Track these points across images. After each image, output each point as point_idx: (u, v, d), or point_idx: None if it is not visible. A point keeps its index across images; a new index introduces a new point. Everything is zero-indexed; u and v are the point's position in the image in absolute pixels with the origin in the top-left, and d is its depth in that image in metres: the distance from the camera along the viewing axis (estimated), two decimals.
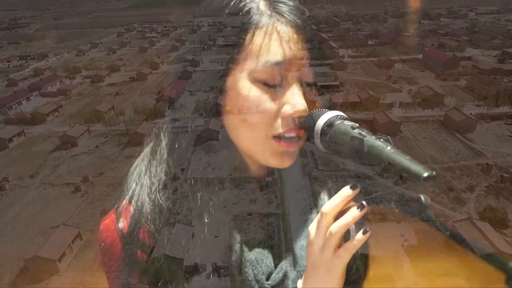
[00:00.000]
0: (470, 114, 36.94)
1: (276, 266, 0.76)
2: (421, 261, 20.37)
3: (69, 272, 20.93)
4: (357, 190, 0.55)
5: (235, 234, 0.74)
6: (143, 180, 0.75)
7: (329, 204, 0.57)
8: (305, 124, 0.64)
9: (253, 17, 0.66)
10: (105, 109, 43.95)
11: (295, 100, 0.65)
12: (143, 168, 0.77)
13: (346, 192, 0.56)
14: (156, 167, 0.76)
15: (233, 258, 0.71)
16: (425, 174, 0.44)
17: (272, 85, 0.66)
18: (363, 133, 0.54)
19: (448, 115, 36.86)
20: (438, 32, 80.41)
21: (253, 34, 0.66)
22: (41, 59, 78.92)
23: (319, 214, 0.59)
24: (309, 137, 0.63)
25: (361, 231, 0.55)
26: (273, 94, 0.66)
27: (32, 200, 28.43)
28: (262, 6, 0.67)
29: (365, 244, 0.74)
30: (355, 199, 0.57)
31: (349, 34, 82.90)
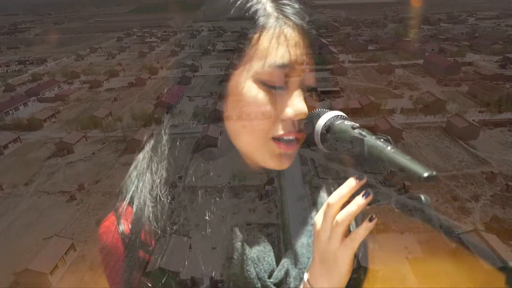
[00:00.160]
0: (473, 120, 36.41)
1: (277, 264, 0.76)
2: (426, 275, 19.65)
3: (61, 286, 20.22)
4: (363, 181, 0.55)
5: (236, 231, 0.73)
6: (144, 177, 0.74)
7: (335, 194, 0.57)
8: (305, 123, 0.64)
9: (259, 19, 0.66)
10: (103, 115, 43.40)
11: (296, 104, 0.66)
12: (144, 165, 0.76)
13: (352, 183, 0.56)
14: (157, 164, 0.76)
15: (235, 256, 0.71)
16: (426, 174, 0.45)
17: (275, 87, 0.66)
18: (363, 133, 0.54)
19: (450, 122, 36.30)
20: (438, 37, 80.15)
21: (260, 36, 0.65)
22: (40, 64, 78.60)
23: (325, 204, 0.59)
24: (310, 138, 0.63)
25: (368, 218, 0.55)
26: (275, 96, 0.66)
27: (26, 209, 27.74)
28: (269, 8, 0.67)
29: (366, 256, 0.77)
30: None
31: (349, 39, 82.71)
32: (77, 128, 40.81)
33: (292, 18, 0.67)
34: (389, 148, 0.50)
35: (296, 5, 0.69)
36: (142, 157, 0.78)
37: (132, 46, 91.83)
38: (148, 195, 0.72)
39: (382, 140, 0.52)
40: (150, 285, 0.69)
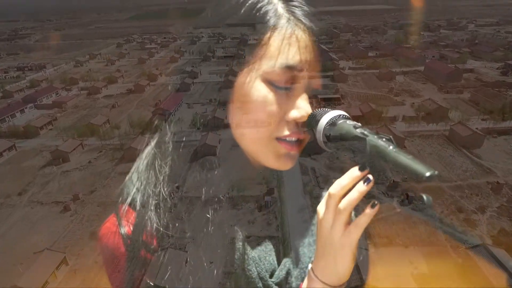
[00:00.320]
0: (476, 128, 35.76)
1: (279, 263, 0.76)
2: None
3: None
4: (365, 172, 0.54)
5: (238, 231, 0.72)
6: (147, 174, 0.74)
7: (337, 184, 0.57)
8: (308, 122, 0.65)
9: (270, 19, 0.66)
10: (100, 123, 42.79)
11: (302, 105, 0.66)
12: (148, 163, 0.76)
13: (354, 173, 0.55)
14: (161, 161, 0.75)
15: (236, 256, 0.70)
16: (428, 174, 0.45)
17: (282, 87, 0.66)
18: (366, 132, 0.54)
19: (453, 130, 35.65)
20: (438, 43, 79.88)
21: (270, 36, 0.66)
22: (39, 70, 78.23)
23: (327, 194, 0.58)
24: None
25: (370, 205, 0.54)
26: (281, 97, 0.66)
27: (18, 220, 26.94)
28: (280, 9, 0.67)
29: (366, 261, 0.76)
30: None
31: (349, 45, 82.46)
32: (74, 136, 40.17)
33: (303, 20, 0.67)
34: (391, 147, 0.50)
35: (307, 8, 0.69)
36: (145, 155, 0.77)
37: (131, 53, 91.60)
38: (151, 193, 0.71)
39: (384, 139, 0.52)
40: (152, 285, 0.67)
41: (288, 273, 0.73)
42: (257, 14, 0.67)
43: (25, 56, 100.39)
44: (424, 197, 0.50)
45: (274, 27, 0.66)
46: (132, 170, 0.76)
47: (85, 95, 58.35)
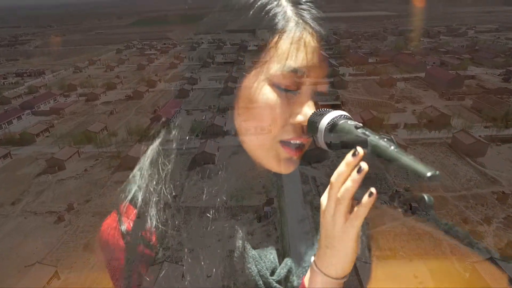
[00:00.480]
0: (480, 136, 35.14)
1: (280, 262, 0.75)
2: None
3: None
4: (359, 155, 0.54)
5: (238, 229, 0.72)
6: (150, 171, 0.74)
7: (336, 173, 0.57)
8: (309, 123, 0.64)
9: (279, 22, 0.66)
10: (98, 130, 42.20)
11: (307, 109, 0.66)
12: (151, 160, 0.76)
13: (349, 158, 0.56)
14: (164, 159, 0.75)
15: (236, 255, 0.70)
16: (429, 174, 0.45)
17: (288, 90, 0.66)
18: (367, 132, 0.54)
19: (456, 138, 35.04)
20: (438, 50, 79.66)
21: (278, 39, 0.65)
22: (38, 76, 77.87)
23: (329, 184, 0.59)
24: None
25: (367, 194, 0.54)
26: (287, 100, 0.66)
27: (10, 231, 26.18)
28: (289, 12, 0.67)
29: (368, 283, 0.76)
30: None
31: (349, 51, 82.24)
32: (70, 143, 39.55)
33: (311, 24, 0.67)
34: (392, 147, 0.50)
35: (315, 12, 0.69)
36: (149, 153, 0.77)
37: (131, 59, 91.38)
38: (152, 190, 0.71)
39: (385, 139, 0.52)
40: (149, 280, 0.67)
41: (289, 271, 0.72)
42: (266, 16, 0.66)
43: (25, 62, 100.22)
44: (426, 197, 0.49)
45: (283, 30, 0.65)
46: (136, 168, 0.75)
47: (83, 101, 57.88)
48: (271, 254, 0.74)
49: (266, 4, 0.67)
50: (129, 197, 0.72)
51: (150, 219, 0.68)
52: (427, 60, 69.01)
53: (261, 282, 0.70)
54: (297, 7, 0.68)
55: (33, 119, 49.83)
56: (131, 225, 0.69)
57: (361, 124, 0.57)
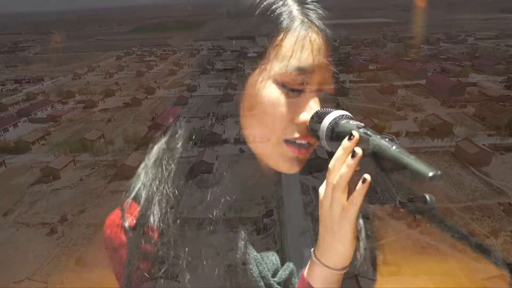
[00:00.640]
0: (483, 145, 34.47)
1: (282, 264, 0.75)
2: None
3: None
4: (355, 139, 0.54)
5: (240, 231, 0.72)
6: (154, 170, 0.74)
7: (333, 159, 0.57)
8: (310, 123, 0.64)
9: (284, 21, 0.66)
10: (94, 138, 41.52)
11: (312, 108, 0.65)
12: (155, 158, 0.75)
13: (346, 143, 0.56)
14: (168, 158, 0.75)
15: (237, 256, 0.70)
16: (431, 174, 0.45)
17: (293, 90, 0.65)
18: (369, 132, 0.54)
19: (460, 147, 34.36)
20: (439, 57, 79.38)
21: (283, 37, 0.65)
22: (36, 82, 77.44)
23: (327, 171, 0.59)
24: (315, 136, 0.63)
25: (360, 180, 0.54)
26: (292, 99, 0.66)
27: (1, 244, 25.31)
28: (295, 11, 0.67)
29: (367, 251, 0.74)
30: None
31: (349, 58, 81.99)
32: (66, 152, 38.82)
33: (317, 23, 0.67)
34: (394, 147, 0.50)
35: (321, 11, 0.69)
36: (154, 152, 0.76)
37: (130, 65, 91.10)
38: (155, 189, 0.71)
39: (387, 139, 0.52)
40: (149, 277, 0.67)
41: (291, 273, 0.71)
42: (271, 15, 0.66)
43: (24, 68, 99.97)
44: (427, 197, 0.49)
45: (287, 29, 0.65)
46: (141, 165, 0.75)
47: (81, 108, 57.33)
48: (273, 256, 0.73)
49: (272, 3, 0.67)
50: (133, 194, 0.71)
51: (153, 217, 0.68)
52: (428, 67, 68.66)
53: (262, 283, 0.69)
54: (303, 7, 0.68)
55: (30, 127, 49.20)
56: (134, 221, 0.69)
57: (362, 124, 0.57)
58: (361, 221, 0.70)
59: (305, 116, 0.65)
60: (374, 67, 73.62)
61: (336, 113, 0.60)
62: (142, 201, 0.70)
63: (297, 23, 0.66)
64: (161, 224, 0.67)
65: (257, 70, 0.68)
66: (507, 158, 34.04)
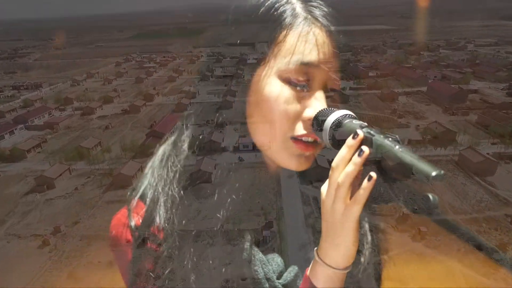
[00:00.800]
0: (487, 154, 33.75)
1: (287, 266, 0.75)
2: None
3: None
4: (360, 137, 0.54)
5: (246, 233, 0.72)
6: (160, 171, 0.74)
7: (337, 157, 0.57)
8: (314, 122, 0.64)
9: (287, 18, 0.66)
10: (91, 145, 40.79)
11: (318, 104, 0.65)
12: (161, 159, 0.76)
13: (350, 141, 0.55)
14: (174, 158, 0.75)
15: (243, 257, 0.70)
16: (434, 173, 0.45)
17: (298, 85, 0.65)
18: (372, 132, 0.54)
19: (463, 156, 33.63)
20: (439, 63, 79.13)
21: (286, 33, 0.66)
22: (35, 89, 77.00)
23: (331, 170, 0.58)
24: (318, 135, 0.63)
25: (366, 178, 0.54)
26: (297, 95, 0.65)
27: None
28: (299, 9, 0.68)
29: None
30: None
31: (349, 65, 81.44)
32: (62, 160, 38.05)
33: (320, 19, 0.68)
34: (397, 147, 0.50)
35: (326, 8, 0.70)
36: (161, 152, 0.76)
37: (129, 72, 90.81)
38: (161, 190, 0.71)
39: (390, 139, 0.52)
40: (154, 276, 0.66)
41: (296, 276, 0.71)
42: (275, 13, 0.67)
43: (23, 75, 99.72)
44: (430, 196, 0.49)
45: (291, 25, 0.66)
46: (148, 165, 0.75)
47: (79, 115, 56.70)
48: (278, 257, 0.73)
49: (275, 2, 0.68)
50: (140, 193, 0.71)
51: (159, 217, 0.68)
52: (428, 74, 68.27)
53: (267, 285, 0.68)
54: (307, 4, 0.68)
55: (26, 134, 48.50)
56: (140, 221, 0.69)
57: (366, 124, 0.57)
58: (366, 225, 0.70)
59: (311, 112, 0.64)
60: (374, 74, 73.22)
61: (339, 112, 0.61)
62: (148, 201, 0.70)
63: (300, 19, 0.66)
64: (167, 225, 0.67)
65: (262, 67, 0.68)
66: None
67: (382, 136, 0.53)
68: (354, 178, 0.55)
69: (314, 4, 0.69)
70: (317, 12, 0.68)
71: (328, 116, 0.61)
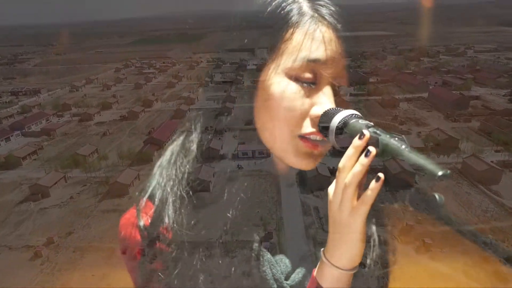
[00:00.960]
0: (491, 161, 33.06)
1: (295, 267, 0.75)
2: None
3: None
4: (366, 137, 0.54)
5: (254, 234, 0.72)
6: (168, 172, 0.74)
7: (343, 158, 0.57)
8: (319, 122, 0.64)
9: (294, 16, 0.67)
10: (88, 153, 40.09)
11: (326, 102, 0.65)
12: (169, 159, 0.75)
13: (356, 142, 0.55)
14: (183, 159, 0.75)
15: (252, 257, 0.70)
16: (440, 173, 0.45)
17: (306, 82, 0.65)
18: (378, 131, 0.54)
19: (467, 164, 32.92)
20: (439, 69, 78.78)
21: (293, 31, 0.66)
22: (33, 95, 76.55)
23: (337, 170, 0.58)
24: (324, 135, 0.63)
25: (374, 179, 0.54)
26: (305, 92, 0.65)
27: None
28: (305, 7, 0.68)
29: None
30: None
31: (349, 71, 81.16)
32: (58, 168, 37.33)
33: (327, 17, 0.68)
34: (403, 146, 0.50)
35: (333, 7, 0.70)
36: (169, 152, 0.76)
37: (129, 77, 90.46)
38: (169, 190, 0.71)
39: (396, 139, 0.52)
40: (163, 277, 0.66)
41: (304, 277, 0.71)
42: (281, 12, 0.67)
43: (22, 80, 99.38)
44: (437, 196, 0.49)
45: (297, 24, 0.66)
46: (156, 165, 0.75)
47: (76, 121, 56.13)
48: (286, 259, 0.73)
49: (282, 1, 0.68)
50: (148, 193, 0.71)
51: (168, 218, 0.67)
52: (429, 80, 67.84)
53: (275, 286, 0.68)
54: (314, 3, 0.69)
55: (22, 141, 47.86)
56: (149, 220, 0.69)
57: (372, 123, 0.57)
58: (373, 227, 0.70)
59: (319, 110, 0.64)
60: (374, 79, 72.82)
61: (345, 112, 0.60)
62: (156, 201, 0.70)
63: (307, 17, 0.66)
64: (175, 225, 0.67)
65: (268, 65, 0.68)
66: None
67: (388, 135, 0.53)
68: (361, 179, 0.55)
69: (321, 3, 0.69)
70: (324, 11, 0.68)
71: (334, 116, 0.61)
